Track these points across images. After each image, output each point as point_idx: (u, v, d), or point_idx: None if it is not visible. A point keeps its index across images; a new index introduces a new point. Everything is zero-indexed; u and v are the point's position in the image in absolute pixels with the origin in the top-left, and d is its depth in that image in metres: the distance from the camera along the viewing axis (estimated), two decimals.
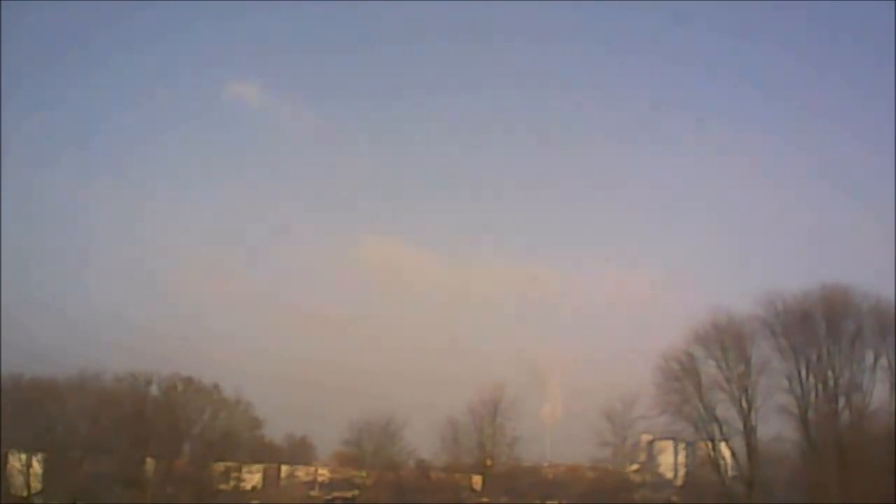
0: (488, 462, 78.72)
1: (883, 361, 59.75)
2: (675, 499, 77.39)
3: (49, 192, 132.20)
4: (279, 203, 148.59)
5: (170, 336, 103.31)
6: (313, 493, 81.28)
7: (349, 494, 78.74)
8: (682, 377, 63.15)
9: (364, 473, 79.73)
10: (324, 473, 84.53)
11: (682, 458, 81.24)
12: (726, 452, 64.12)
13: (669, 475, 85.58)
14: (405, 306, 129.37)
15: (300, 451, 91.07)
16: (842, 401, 60.08)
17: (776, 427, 61.75)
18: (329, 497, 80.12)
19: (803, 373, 60.35)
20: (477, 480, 78.98)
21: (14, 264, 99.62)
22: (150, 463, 72.48)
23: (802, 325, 60.93)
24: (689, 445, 75.65)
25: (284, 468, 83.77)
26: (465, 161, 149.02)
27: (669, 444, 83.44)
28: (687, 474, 79.63)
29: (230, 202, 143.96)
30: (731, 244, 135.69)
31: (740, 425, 61.59)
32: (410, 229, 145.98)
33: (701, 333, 62.59)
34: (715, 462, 64.84)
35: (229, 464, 78.01)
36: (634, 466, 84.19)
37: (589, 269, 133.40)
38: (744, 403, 61.26)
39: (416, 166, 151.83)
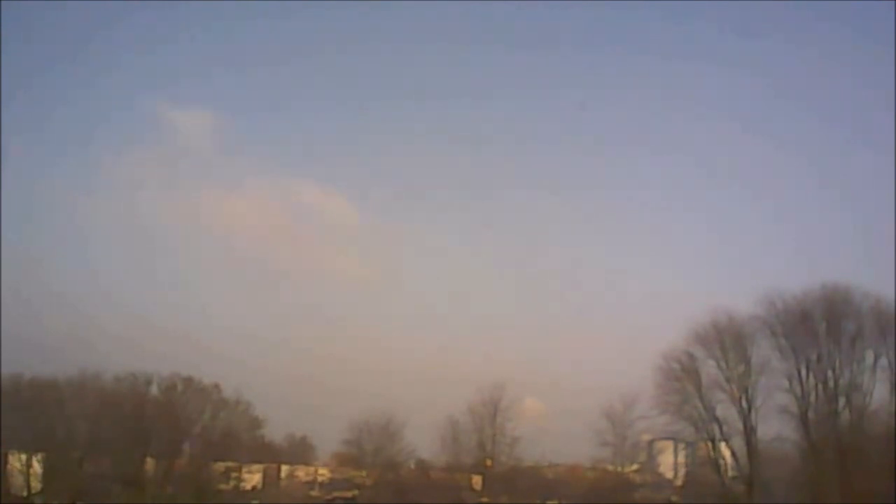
0: (488, 462, 78.63)
1: (883, 361, 59.78)
2: (675, 499, 77.40)
3: (49, 191, 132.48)
4: (279, 199, 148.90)
5: (170, 334, 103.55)
6: (313, 493, 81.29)
7: (349, 494, 78.73)
8: (682, 377, 63.17)
9: (364, 473, 79.73)
10: (324, 473, 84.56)
11: (682, 458, 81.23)
12: (726, 452, 64.11)
13: (669, 475, 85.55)
14: (407, 306, 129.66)
15: (300, 451, 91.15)
16: (842, 401, 60.03)
17: (776, 427, 61.84)
18: (329, 497, 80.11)
19: (803, 373, 60.36)
20: (477, 480, 78.94)
21: (14, 264, 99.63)
22: (150, 463, 72.48)
23: (802, 325, 60.88)
24: (689, 445, 75.63)
25: (284, 468, 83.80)
26: (466, 161, 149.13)
27: (669, 444, 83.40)
28: (687, 474, 79.63)
29: (231, 201, 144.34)
30: (731, 244, 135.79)
31: (740, 425, 61.64)
32: (409, 229, 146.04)
33: (701, 333, 62.66)
34: (715, 462, 64.83)
35: (229, 464, 78.02)
36: (634, 466, 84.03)
37: (589, 269, 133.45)
38: (744, 403, 61.28)
39: (415, 166, 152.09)
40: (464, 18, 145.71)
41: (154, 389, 76.78)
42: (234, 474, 78.35)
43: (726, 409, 62.10)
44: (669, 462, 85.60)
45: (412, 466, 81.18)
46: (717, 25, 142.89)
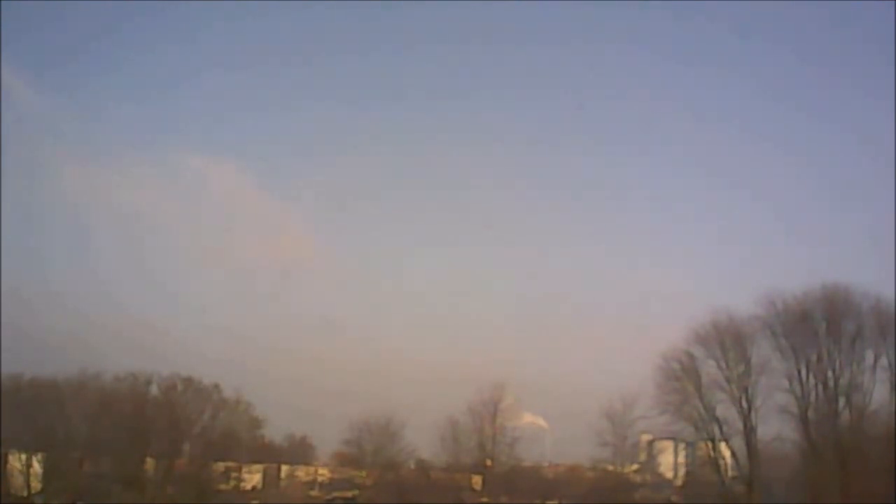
0: (488, 462, 78.69)
1: (883, 361, 59.78)
2: (675, 499, 77.42)
3: (50, 192, 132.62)
4: (280, 199, 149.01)
5: (170, 334, 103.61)
6: (313, 493, 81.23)
7: (349, 494, 78.70)
8: (682, 377, 63.15)
9: (364, 473, 79.71)
10: (324, 473, 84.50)
11: (682, 458, 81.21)
12: (726, 452, 64.10)
13: (669, 475, 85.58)
14: (406, 305, 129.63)
15: (300, 451, 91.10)
16: (842, 401, 60.02)
17: (776, 427, 61.80)
18: (329, 497, 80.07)
19: (803, 373, 60.36)
20: (477, 480, 78.95)
21: (14, 264, 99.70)
22: (150, 463, 72.40)
23: (802, 325, 60.87)
24: (689, 445, 75.59)
25: (284, 468, 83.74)
26: (465, 161, 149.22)
27: (669, 444, 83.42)
28: (687, 474, 79.64)
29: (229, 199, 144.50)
30: (731, 244, 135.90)
31: (740, 425, 61.60)
32: (410, 229, 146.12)
33: (701, 333, 62.64)
34: (715, 462, 64.82)
35: (229, 464, 78.00)
36: (634, 466, 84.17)
37: (589, 269, 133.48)
38: (744, 403, 61.23)
39: (415, 166, 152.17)
40: (461, 18, 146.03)
41: (154, 389, 76.87)
42: (234, 474, 78.33)
43: (726, 409, 62.18)
44: (669, 462, 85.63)
45: (412, 466, 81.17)
46: (717, 26, 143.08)
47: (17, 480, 71.15)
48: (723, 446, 63.80)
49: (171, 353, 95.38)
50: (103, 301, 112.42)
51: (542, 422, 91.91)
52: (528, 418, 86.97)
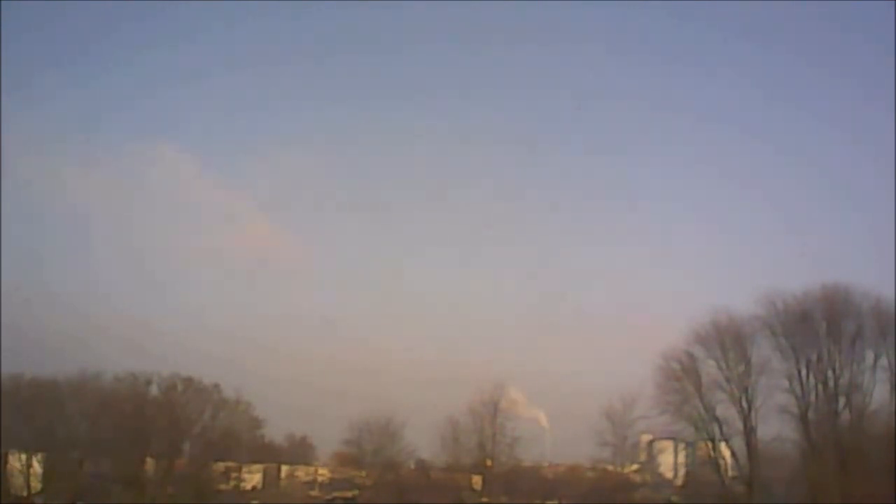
0: (488, 462, 78.58)
1: (883, 361, 59.82)
2: (675, 499, 77.36)
3: (50, 192, 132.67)
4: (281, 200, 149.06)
5: (170, 334, 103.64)
6: (313, 493, 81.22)
7: (349, 494, 78.66)
8: (682, 377, 63.13)
9: (364, 473, 79.66)
10: (324, 473, 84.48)
11: (682, 458, 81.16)
12: (726, 452, 64.09)
13: (669, 475, 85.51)
14: (406, 307, 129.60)
15: (300, 451, 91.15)
16: (842, 401, 60.04)
17: (776, 427, 61.78)
18: (329, 497, 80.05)
19: (803, 373, 60.35)
20: (477, 480, 78.87)
21: (14, 264, 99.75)
22: (150, 463, 72.39)
23: (802, 325, 60.87)
24: (689, 445, 75.58)
25: (284, 468, 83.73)
26: (465, 162, 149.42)
27: (669, 444, 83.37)
28: (687, 474, 79.58)
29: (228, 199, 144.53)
30: (730, 244, 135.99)
31: (740, 425, 61.60)
32: (410, 229, 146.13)
33: (701, 333, 62.63)
34: (715, 462, 64.81)
35: (229, 464, 78.00)
36: (634, 466, 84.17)
37: (589, 269, 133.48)
38: (744, 403, 61.22)
39: (415, 165, 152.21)
40: (461, 18, 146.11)
41: (154, 389, 76.77)
42: (234, 474, 78.32)
43: (726, 409, 62.17)
44: (669, 462, 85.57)
45: (412, 466, 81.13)
46: (717, 26, 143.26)
47: (17, 480, 71.15)
48: (723, 446, 63.80)
49: (171, 353, 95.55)
50: (103, 301, 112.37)
51: (542, 417, 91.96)
52: (528, 410, 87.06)
